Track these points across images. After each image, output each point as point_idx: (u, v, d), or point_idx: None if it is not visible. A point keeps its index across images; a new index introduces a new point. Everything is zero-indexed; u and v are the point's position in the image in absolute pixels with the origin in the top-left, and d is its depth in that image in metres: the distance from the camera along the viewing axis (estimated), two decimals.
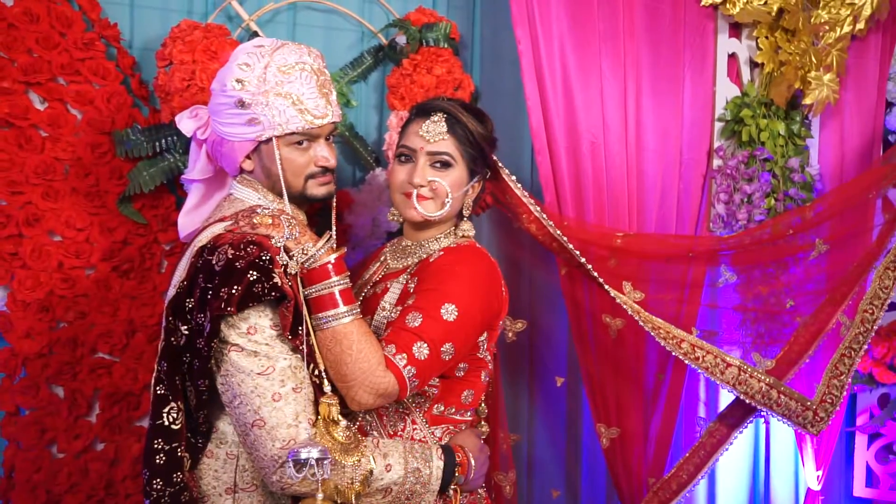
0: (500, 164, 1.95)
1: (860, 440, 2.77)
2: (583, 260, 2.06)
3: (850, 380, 2.21)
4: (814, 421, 2.17)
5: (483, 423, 1.90)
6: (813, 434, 2.19)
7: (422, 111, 1.80)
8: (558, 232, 2.04)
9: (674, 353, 2.08)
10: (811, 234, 2.26)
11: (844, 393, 2.21)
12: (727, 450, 2.20)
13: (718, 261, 2.27)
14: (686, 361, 2.09)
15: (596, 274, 2.07)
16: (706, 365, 2.09)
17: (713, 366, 2.09)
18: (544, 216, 2.04)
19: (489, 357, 1.81)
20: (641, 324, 2.07)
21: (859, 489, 2.77)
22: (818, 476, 2.51)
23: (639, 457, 2.24)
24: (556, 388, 2.38)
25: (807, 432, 2.19)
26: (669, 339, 2.08)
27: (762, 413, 2.17)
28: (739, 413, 2.19)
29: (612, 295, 2.07)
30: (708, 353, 2.10)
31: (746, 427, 2.21)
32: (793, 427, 2.18)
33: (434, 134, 1.75)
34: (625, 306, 2.07)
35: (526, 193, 2.03)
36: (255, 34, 2.19)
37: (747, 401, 2.11)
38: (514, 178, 2.00)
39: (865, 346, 2.21)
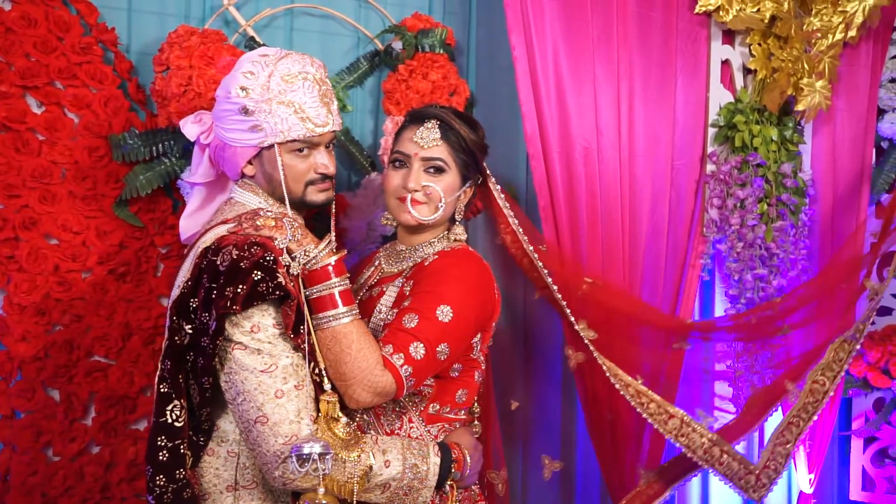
0: (488, 172, 1.97)
1: (856, 444, 2.77)
2: (549, 280, 2.04)
3: (795, 449, 2.18)
4: (756, 486, 2.13)
5: (476, 422, 1.92)
6: (755, 500, 2.15)
7: (415, 118, 1.83)
8: (530, 248, 2.03)
9: (623, 395, 2.08)
10: (780, 322, 2.26)
11: (790, 461, 2.18)
12: None
13: (685, 336, 2.27)
14: (632, 405, 2.08)
15: (561, 299, 2.03)
16: (651, 411, 2.08)
17: (657, 413, 2.08)
18: (520, 230, 2.03)
19: (482, 358, 1.84)
20: (599, 361, 2.07)
21: (855, 493, 2.77)
22: (810, 479, 2.52)
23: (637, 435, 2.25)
24: (552, 391, 2.39)
25: (748, 497, 2.15)
26: (618, 380, 2.08)
27: (703, 470, 2.14)
28: (679, 470, 2.17)
29: (577, 329, 2.06)
30: (651, 402, 2.08)
31: (684, 485, 2.19)
32: (733, 489, 2.14)
33: (428, 140, 1.78)
34: (586, 341, 2.07)
35: (507, 204, 2.02)
36: (252, 39, 2.20)
37: (689, 455, 2.09)
38: (499, 187, 2.00)
39: (815, 417, 2.18)
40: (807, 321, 2.31)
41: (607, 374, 2.08)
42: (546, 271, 2.04)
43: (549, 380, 2.42)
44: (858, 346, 2.20)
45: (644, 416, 2.09)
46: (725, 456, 2.11)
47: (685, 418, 2.10)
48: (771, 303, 2.32)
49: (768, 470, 2.16)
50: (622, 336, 2.15)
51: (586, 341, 2.07)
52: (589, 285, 2.13)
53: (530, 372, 2.43)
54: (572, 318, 2.06)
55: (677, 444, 2.09)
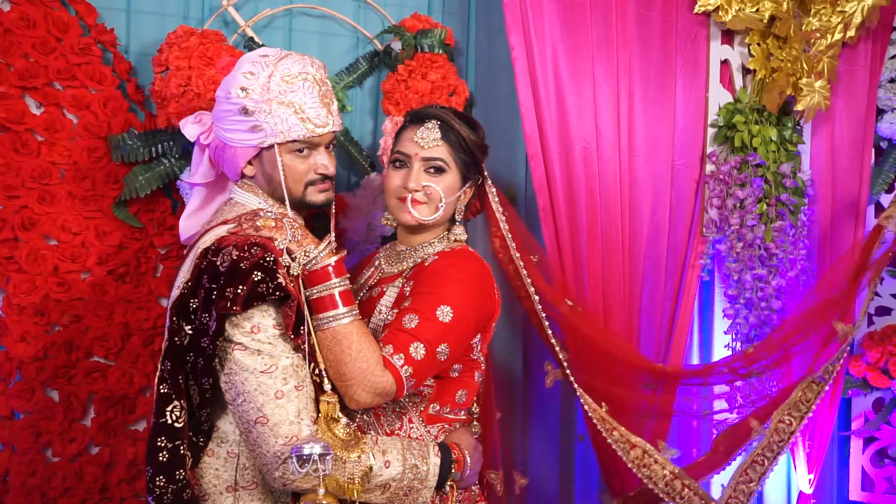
0: (486, 174, 1.97)
1: (855, 444, 2.77)
2: (532, 290, 2.04)
3: (758, 487, 2.18)
4: None
5: (475, 422, 1.92)
6: None
7: (416, 118, 1.83)
8: (517, 255, 2.03)
9: (592, 418, 2.08)
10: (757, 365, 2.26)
11: (752, 499, 2.18)
12: None
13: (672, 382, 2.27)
14: (598, 429, 2.08)
15: (541, 310, 2.04)
16: (614, 439, 2.08)
17: (620, 441, 2.08)
18: (509, 236, 2.03)
19: (482, 358, 1.84)
20: (571, 379, 2.07)
21: (855, 493, 2.77)
22: (810, 479, 2.52)
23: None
24: (551, 391, 2.39)
25: None
26: (585, 402, 2.08)
27: None
28: (646, 499, 2.16)
29: (553, 342, 2.06)
30: (615, 429, 2.08)
31: None
32: None
33: (428, 140, 1.79)
34: (560, 357, 2.06)
35: (500, 209, 2.01)
36: (252, 40, 2.20)
37: (650, 487, 2.09)
38: (494, 190, 2.00)
39: (780, 456, 2.19)
40: (777, 364, 2.30)
41: (577, 394, 2.08)
42: (529, 281, 2.03)
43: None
44: (827, 388, 2.21)
45: (609, 441, 2.09)
46: (686, 490, 2.10)
47: (648, 449, 2.09)
48: (745, 352, 2.31)
49: None
50: (591, 365, 2.14)
51: (560, 357, 2.07)
52: (569, 308, 2.12)
53: (529, 372, 2.43)
54: (549, 332, 2.06)
55: (639, 475, 2.09)
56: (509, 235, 2.03)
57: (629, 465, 2.09)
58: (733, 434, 2.22)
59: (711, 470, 2.19)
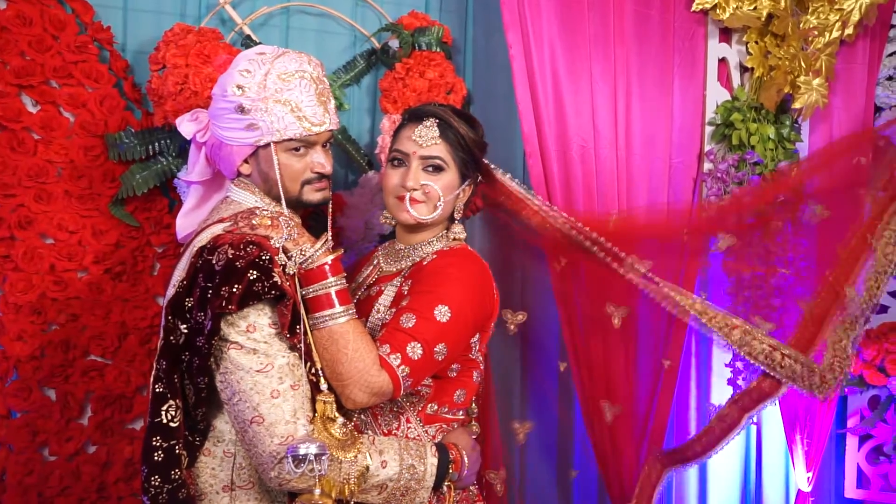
0: (492, 167, 1.97)
1: (851, 442, 2.78)
2: (589, 245, 2.05)
3: (855, 348, 2.19)
4: (820, 385, 2.14)
5: (474, 422, 1.92)
6: (819, 399, 2.16)
7: (414, 116, 1.83)
8: (562, 217, 2.04)
9: (691, 313, 2.08)
10: (804, 202, 2.25)
11: (850, 362, 2.18)
12: (737, 434, 2.18)
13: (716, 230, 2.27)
14: (702, 321, 2.08)
15: (602, 254, 2.05)
16: (717, 325, 2.09)
17: (723, 326, 2.09)
18: (547, 204, 2.05)
19: (481, 358, 1.84)
20: (652, 295, 2.06)
21: (850, 490, 2.78)
22: (808, 477, 2.52)
23: (638, 438, 2.26)
24: (549, 391, 2.39)
25: (813, 396, 2.16)
26: (683, 302, 2.08)
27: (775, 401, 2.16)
28: (749, 401, 2.16)
29: (627, 266, 2.05)
30: (714, 317, 2.09)
31: (757, 414, 2.20)
32: (799, 391, 2.14)
33: (427, 139, 1.78)
34: (635, 279, 2.05)
35: (522, 189, 2.03)
36: (248, 38, 2.20)
37: (750, 360, 2.10)
38: (508, 175, 2.01)
39: (870, 316, 2.20)
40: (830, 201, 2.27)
41: (673, 296, 2.07)
42: (581, 237, 2.03)
43: (546, 379, 2.42)
44: None
45: (712, 332, 2.09)
46: (787, 359, 2.10)
47: (746, 327, 2.10)
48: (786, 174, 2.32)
49: (834, 368, 2.14)
50: (667, 252, 2.17)
51: (643, 273, 2.07)
52: (615, 218, 2.16)
53: (528, 372, 2.43)
54: (615, 265, 2.04)
55: (739, 353, 2.10)
56: (546, 204, 2.05)
57: (733, 346, 2.09)
58: (824, 300, 2.19)
59: (809, 344, 2.16)
